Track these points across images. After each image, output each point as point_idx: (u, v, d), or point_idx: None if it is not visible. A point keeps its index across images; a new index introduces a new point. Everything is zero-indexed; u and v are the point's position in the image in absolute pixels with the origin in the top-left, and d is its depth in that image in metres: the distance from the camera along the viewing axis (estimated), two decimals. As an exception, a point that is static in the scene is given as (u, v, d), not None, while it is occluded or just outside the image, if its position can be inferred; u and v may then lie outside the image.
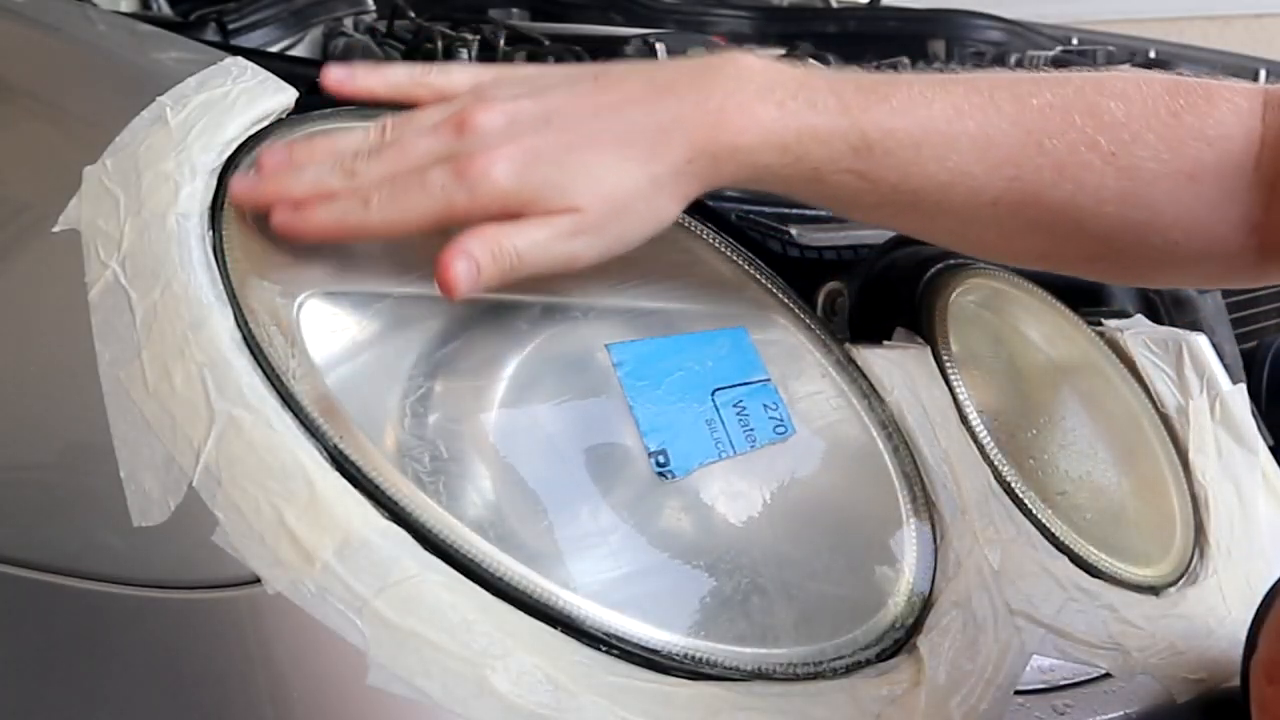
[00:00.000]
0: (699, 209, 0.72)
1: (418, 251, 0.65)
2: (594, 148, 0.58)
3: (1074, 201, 0.63)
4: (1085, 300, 0.89)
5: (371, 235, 0.59)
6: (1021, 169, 0.62)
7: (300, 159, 0.61)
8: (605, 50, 1.22)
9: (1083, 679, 0.66)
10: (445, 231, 0.62)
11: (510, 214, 0.58)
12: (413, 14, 1.28)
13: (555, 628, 0.55)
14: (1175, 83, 0.64)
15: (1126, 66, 1.47)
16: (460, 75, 0.64)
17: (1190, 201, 0.63)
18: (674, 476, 0.60)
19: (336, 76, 0.63)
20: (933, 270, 0.78)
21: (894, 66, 1.39)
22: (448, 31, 1.16)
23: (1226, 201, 0.63)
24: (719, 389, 0.65)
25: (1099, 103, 0.63)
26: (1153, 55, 1.54)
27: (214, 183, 0.61)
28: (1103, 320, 0.85)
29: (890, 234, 0.80)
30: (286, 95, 0.66)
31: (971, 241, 0.68)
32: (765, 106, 0.60)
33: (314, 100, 0.66)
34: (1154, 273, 0.71)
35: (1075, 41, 1.62)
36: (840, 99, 0.61)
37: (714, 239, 0.73)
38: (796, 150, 0.60)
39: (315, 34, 1.20)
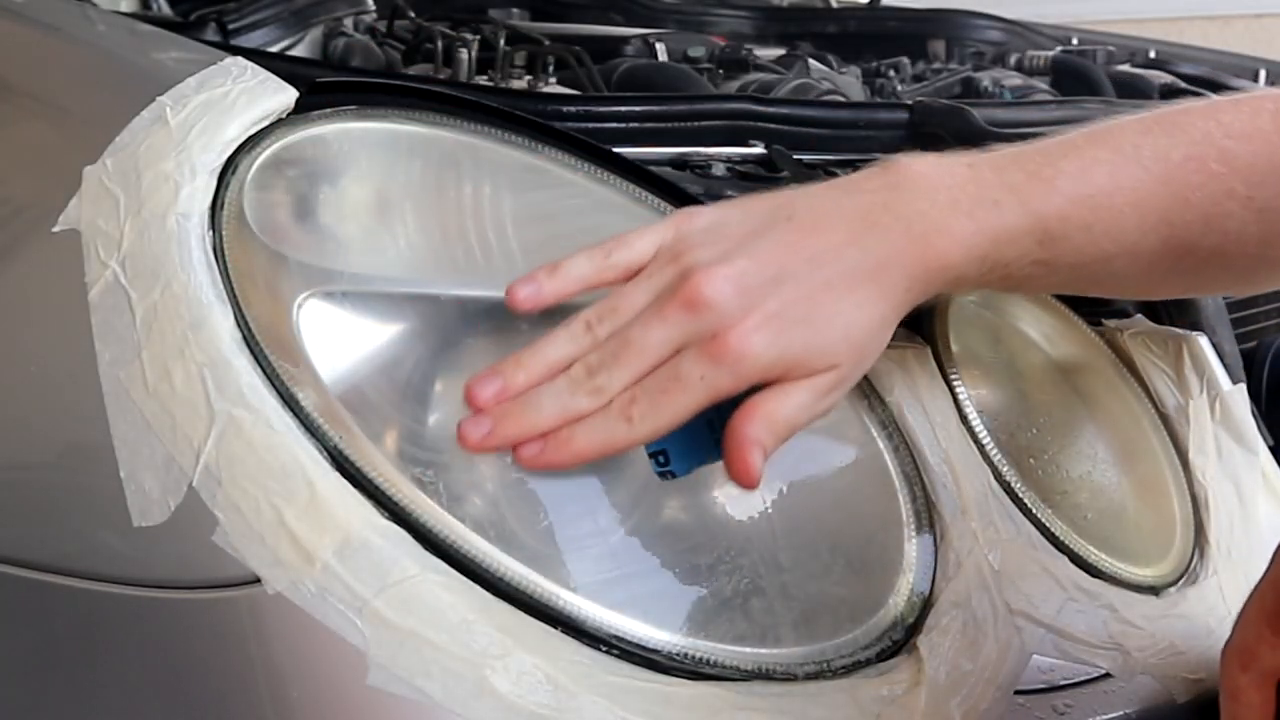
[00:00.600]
0: (699, 209, 0.71)
1: (418, 251, 0.65)
2: (830, 299, 0.58)
3: (1220, 249, 0.65)
4: (1085, 300, 0.89)
5: (637, 446, 0.58)
6: (1173, 226, 0.64)
7: (518, 383, 0.57)
8: (605, 50, 1.22)
9: (1083, 679, 0.66)
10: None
11: (770, 382, 0.57)
12: (413, 14, 1.28)
13: (555, 628, 0.55)
14: (1278, 109, 0.66)
15: (1127, 66, 1.48)
16: (641, 243, 0.61)
17: None
18: (674, 476, 0.60)
19: (525, 295, 0.59)
20: (933, 270, 0.78)
21: (894, 67, 1.39)
22: (448, 32, 1.16)
23: None
24: (719, 389, 0.64)
25: (1227, 146, 0.64)
26: (1153, 55, 1.54)
27: (214, 183, 0.61)
28: (1103, 320, 0.85)
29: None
30: (286, 95, 0.66)
31: (1126, 294, 0.72)
32: (959, 220, 0.61)
33: (314, 100, 0.66)
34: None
35: (1075, 41, 1.62)
36: (1017, 194, 0.62)
37: (714, 239, 0.72)
38: (993, 257, 0.62)
39: (315, 34, 1.20)
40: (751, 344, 0.56)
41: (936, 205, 0.61)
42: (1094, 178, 0.63)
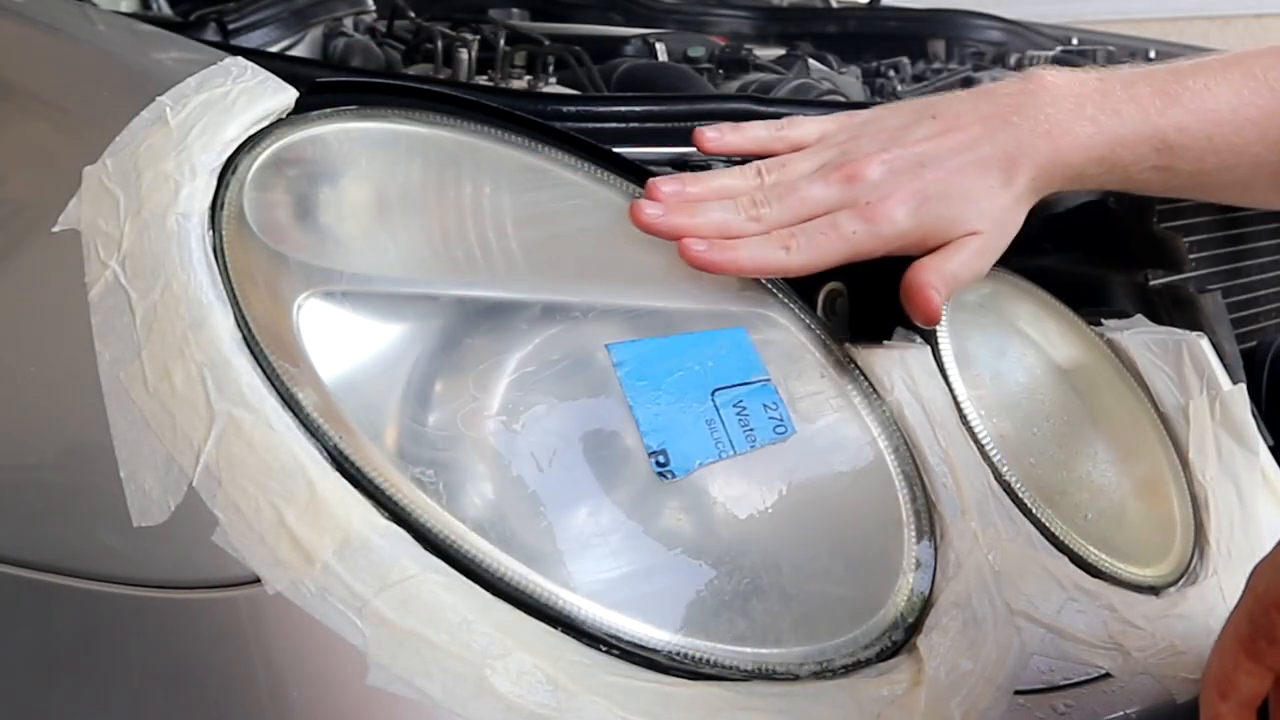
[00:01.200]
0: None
1: (418, 251, 0.65)
2: (965, 181, 0.68)
3: None
4: (1085, 300, 0.89)
5: (786, 274, 0.67)
6: None
7: (696, 194, 0.67)
8: (605, 50, 1.22)
9: (1083, 679, 0.66)
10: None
11: (908, 250, 0.68)
12: (413, 14, 1.28)
13: (555, 628, 0.55)
14: None
15: (1127, 66, 1.48)
16: (810, 127, 0.73)
17: None
18: (674, 476, 0.60)
19: (710, 136, 0.72)
20: (933, 270, 0.78)
21: (894, 67, 1.39)
22: (448, 31, 1.16)
23: None
24: (719, 389, 0.65)
25: None
26: (1152, 55, 1.54)
27: (214, 183, 0.61)
28: (1103, 320, 0.85)
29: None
30: (286, 95, 0.66)
31: (1253, 200, 0.80)
32: (1081, 123, 0.70)
33: (314, 100, 0.66)
34: None
35: (1075, 41, 1.62)
36: (1139, 104, 0.70)
37: (714, 239, 0.72)
38: (1110, 159, 0.70)
39: (315, 34, 1.20)
40: (896, 213, 0.67)
41: (1062, 110, 0.70)
42: (1220, 94, 0.70)
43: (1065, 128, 0.69)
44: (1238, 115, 0.71)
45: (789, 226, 0.67)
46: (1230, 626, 0.58)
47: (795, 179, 0.69)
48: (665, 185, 0.67)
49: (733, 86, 1.19)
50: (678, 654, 0.56)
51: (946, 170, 0.68)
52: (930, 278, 0.67)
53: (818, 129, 0.73)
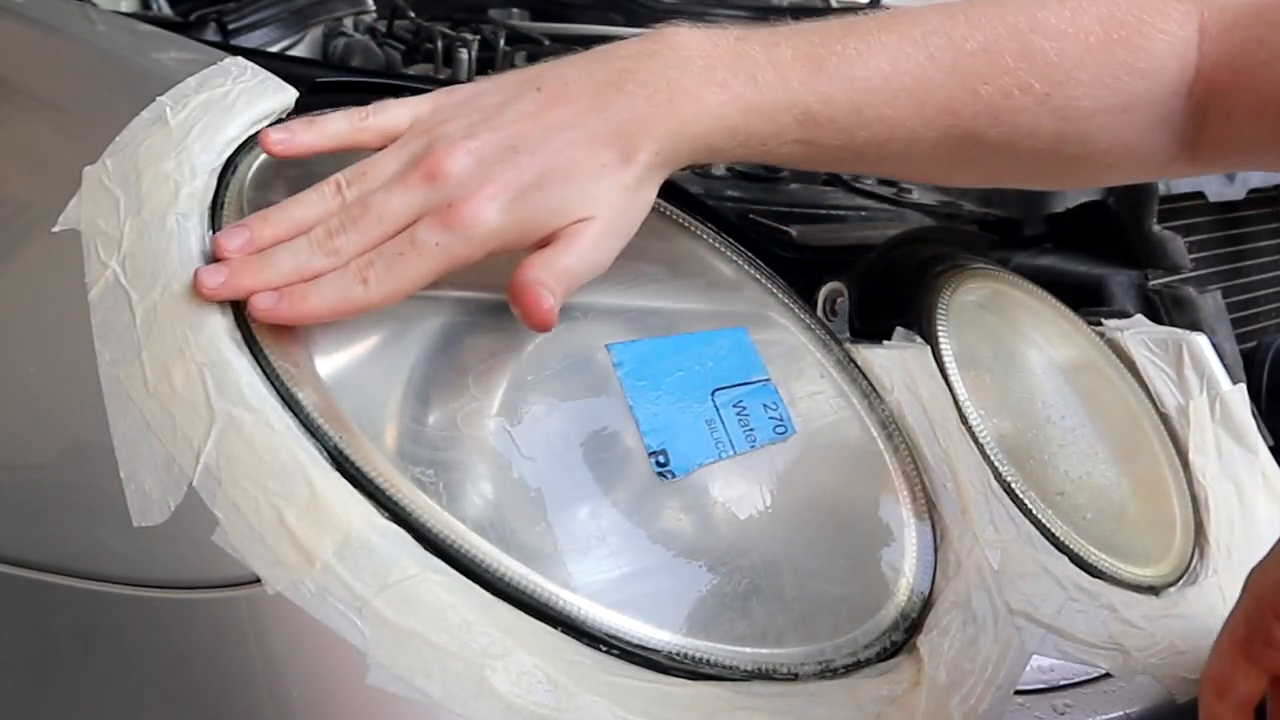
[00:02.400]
0: (700, 209, 0.72)
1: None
2: (569, 162, 0.59)
3: (1009, 141, 0.65)
4: (1085, 300, 0.89)
5: (373, 309, 0.58)
6: (958, 116, 0.64)
7: (264, 239, 0.58)
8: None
9: (1083, 679, 0.66)
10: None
11: (509, 249, 0.59)
12: (413, 14, 1.28)
13: (555, 628, 0.55)
14: (1109, 14, 0.65)
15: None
16: (399, 111, 0.63)
17: (1122, 131, 0.65)
18: (674, 476, 0.60)
19: (276, 139, 0.61)
20: (933, 270, 0.78)
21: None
22: (448, 31, 1.16)
23: (1159, 127, 0.66)
24: (719, 389, 0.65)
25: (1032, 42, 0.64)
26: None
27: (214, 183, 0.61)
28: (1103, 320, 0.85)
29: (891, 233, 0.80)
30: (286, 95, 0.66)
31: (911, 175, 0.74)
32: (709, 89, 0.61)
33: (313, 100, 0.66)
34: (1087, 183, 0.76)
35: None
36: (778, 70, 0.62)
37: (714, 239, 0.73)
38: (745, 130, 0.62)
39: (315, 34, 1.20)
40: (484, 213, 0.57)
41: (688, 74, 0.61)
42: (871, 62, 0.62)
43: (692, 94, 0.61)
44: (890, 84, 0.62)
45: (369, 252, 0.58)
46: (1228, 628, 0.58)
47: (375, 189, 0.59)
48: (230, 241, 0.58)
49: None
50: (678, 654, 0.56)
51: (547, 152, 0.59)
52: (540, 274, 0.58)
53: (409, 113, 0.62)
